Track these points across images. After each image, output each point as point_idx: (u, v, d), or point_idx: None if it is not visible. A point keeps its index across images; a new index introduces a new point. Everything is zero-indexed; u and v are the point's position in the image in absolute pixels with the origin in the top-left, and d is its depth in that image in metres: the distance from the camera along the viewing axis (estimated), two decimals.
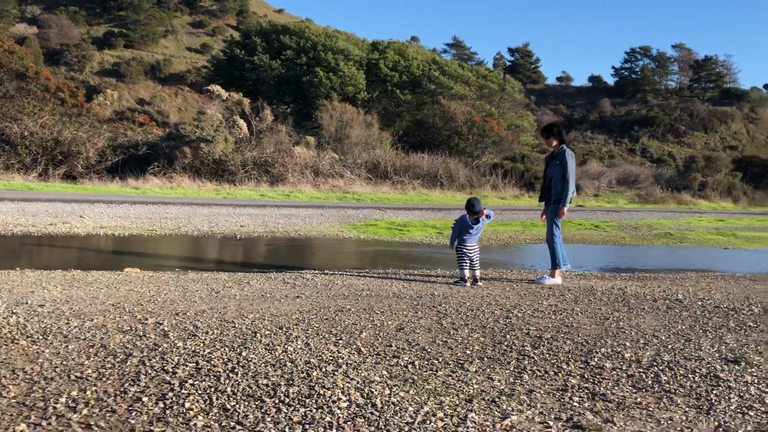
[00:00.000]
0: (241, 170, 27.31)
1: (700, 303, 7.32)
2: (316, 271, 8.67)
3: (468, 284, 7.98)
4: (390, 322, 5.72)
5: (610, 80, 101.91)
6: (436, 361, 4.53)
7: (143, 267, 8.55)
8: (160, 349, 4.52)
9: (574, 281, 8.72)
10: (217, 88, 33.40)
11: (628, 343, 5.32)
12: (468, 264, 8.05)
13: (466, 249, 8.04)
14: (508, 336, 5.42)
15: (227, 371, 4.09)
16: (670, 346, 5.24)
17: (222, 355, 4.44)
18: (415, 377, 4.16)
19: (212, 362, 4.26)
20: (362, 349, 4.77)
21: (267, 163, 28.08)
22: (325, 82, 38.02)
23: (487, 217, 8.24)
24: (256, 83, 40.02)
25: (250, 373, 4.06)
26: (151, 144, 28.48)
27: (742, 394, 4.08)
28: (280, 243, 12.02)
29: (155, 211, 15.09)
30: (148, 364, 4.18)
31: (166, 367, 4.11)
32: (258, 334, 5.06)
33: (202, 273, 8.11)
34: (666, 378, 4.37)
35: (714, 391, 4.13)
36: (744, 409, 3.84)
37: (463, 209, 8.27)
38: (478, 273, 8.16)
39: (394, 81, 40.97)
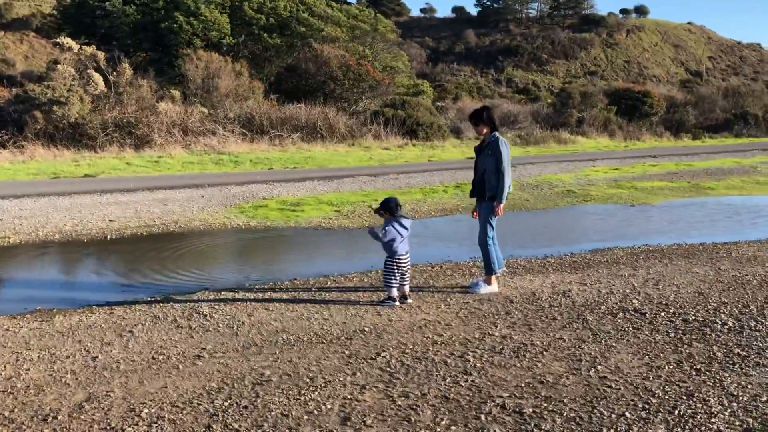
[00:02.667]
0: (102, 134, 24.77)
1: (662, 314, 6.46)
2: (213, 295, 7.24)
3: (397, 303, 6.79)
4: (328, 404, 4.46)
5: (474, 10, 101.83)
6: None
7: None
8: None
9: (510, 284, 7.70)
10: (67, 41, 30.19)
11: (628, 413, 4.30)
12: (398, 279, 6.84)
13: (398, 261, 6.82)
14: (482, 411, 4.29)
15: None
16: (677, 411, 4.26)
17: None
18: None
19: None
20: None
21: (130, 123, 25.61)
22: (186, 28, 35.25)
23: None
24: (109, 31, 36.74)
25: None
26: None
27: None
28: (159, 242, 10.41)
29: (7, 208, 12.98)
30: None
31: None
32: None
33: (71, 315, 6.52)
34: None
35: None
36: None
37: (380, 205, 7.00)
38: (407, 288, 6.98)
39: (261, 24, 38.61)
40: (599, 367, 5.08)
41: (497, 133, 7.27)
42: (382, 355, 5.37)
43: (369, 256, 9.40)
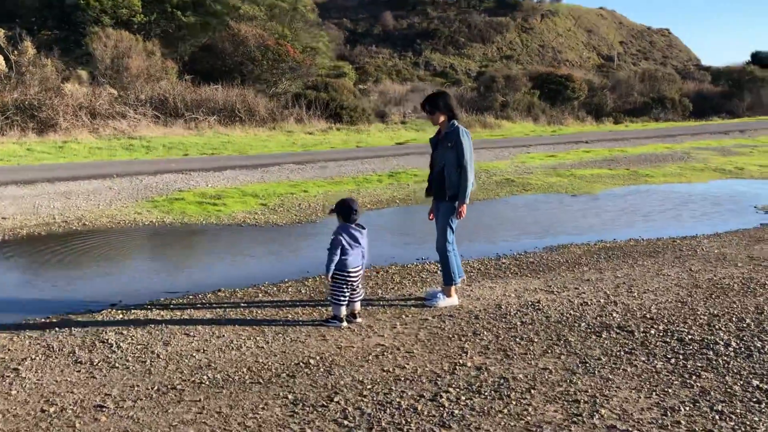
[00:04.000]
0: (1, 117, 22.75)
1: (652, 331, 5.60)
2: (121, 314, 6.03)
3: (344, 324, 5.74)
4: None
5: None
6: None
7: None
8: None
9: (468, 293, 6.74)
10: None
11: None
12: (347, 296, 5.77)
13: (349, 275, 5.74)
14: None
15: None
16: None
17: None
18: None
19: None
20: None
21: (32, 106, 23.60)
22: (93, 5, 33.07)
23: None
24: (10, 8, 34.21)
25: None
26: None
27: None
28: (59, 244, 9.06)
29: None
30: None
31: None
32: None
33: None
34: None
35: None
36: None
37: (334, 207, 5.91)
38: (358, 305, 5.92)
39: (174, 2, 36.67)
40: (602, 411, 4.15)
41: (456, 122, 6.26)
42: (336, 400, 4.31)
43: (302, 259, 8.32)
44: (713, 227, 10.43)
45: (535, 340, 5.38)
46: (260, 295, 6.73)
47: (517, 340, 5.38)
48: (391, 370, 4.78)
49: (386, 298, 6.57)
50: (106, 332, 5.54)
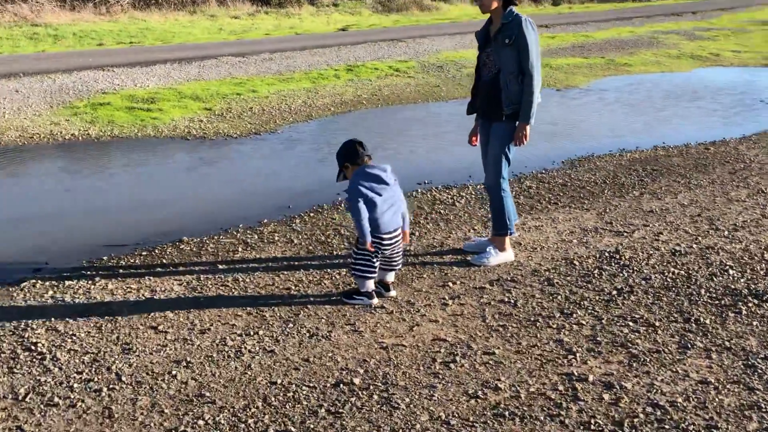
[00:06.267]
0: None
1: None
2: (52, 295, 4.22)
3: (375, 301, 4.08)
4: None
5: None
6: None
7: None
8: None
9: (514, 239, 5.14)
10: None
11: None
12: (376, 267, 4.07)
13: (382, 240, 4.02)
14: None
15: None
16: None
17: None
18: None
19: None
20: None
21: None
22: None
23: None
24: None
25: None
26: None
27: None
28: None
29: None
30: None
31: None
32: None
33: None
34: None
35: None
36: None
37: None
38: (392, 275, 4.24)
39: None
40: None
41: (514, 9, 4.47)
42: None
43: (277, 186, 6.59)
44: (734, 128, 9.24)
45: (657, 324, 3.84)
46: (239, 248, 4.99)
47: (631, 324, 3.84)
48: (480, 394, 3.18)
49: (416, 254, 4.91)
50: (31, 329, 3.76)
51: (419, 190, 6.48)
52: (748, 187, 6.46)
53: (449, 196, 6.27)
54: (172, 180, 6.93)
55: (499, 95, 4.47)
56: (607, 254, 4.83)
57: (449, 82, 12.22)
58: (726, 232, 5.28)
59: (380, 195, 3.96)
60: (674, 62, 15.03)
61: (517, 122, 4.49)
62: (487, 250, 4.71)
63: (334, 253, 4.91)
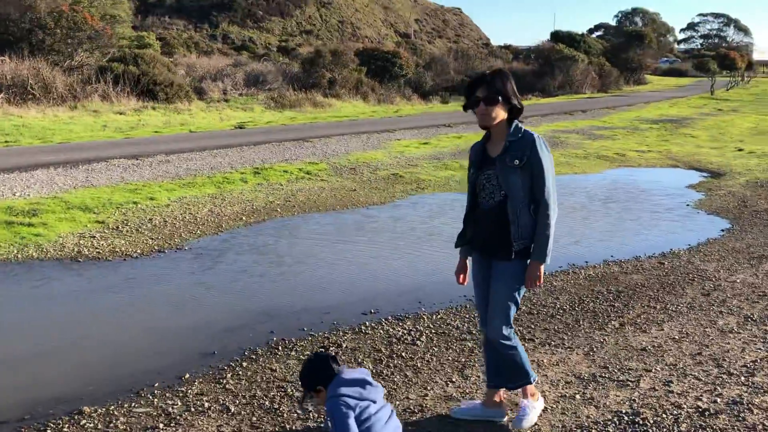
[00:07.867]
0: None
1: None
2: None
3: None
4: None
5: None
6: None
7: None
8: None
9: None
10: None
11: None
12: None
13: None
14: None
15: None
16: None
17: None
18: None
19: None
20: None
21: None
22: None
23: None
24: None
25: None
26: None
27: None
28: None
29: None
30: None
31: None
32: None
33: None
34: None
35: None
36: None
37: None
38: None
39: None
40: None
41: (521, 124, 3.65)
42: None
43: (194, 324, 5.45)
44: (674, 236, 8.79)
45: None
46: (160, 423, 3.85)
47: None
48: None
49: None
50: None
51: (368, 323, 5.49)
52: (732, 314, 5.83)
53: (405, 331, 5.33)
54: (63, 319, 5.66)
55: (507, 228, 3.58)
56: (627, 418, 3.94)
57: (366, 185, 11.38)
58: (742, 378, 4.54)
59: (375, 402, 2.99)
60: (584, 163, 14.83)
61: (529, 261, 3.61)
62: (522, 406, 3.77)
63: (287, 427, 3.81)
